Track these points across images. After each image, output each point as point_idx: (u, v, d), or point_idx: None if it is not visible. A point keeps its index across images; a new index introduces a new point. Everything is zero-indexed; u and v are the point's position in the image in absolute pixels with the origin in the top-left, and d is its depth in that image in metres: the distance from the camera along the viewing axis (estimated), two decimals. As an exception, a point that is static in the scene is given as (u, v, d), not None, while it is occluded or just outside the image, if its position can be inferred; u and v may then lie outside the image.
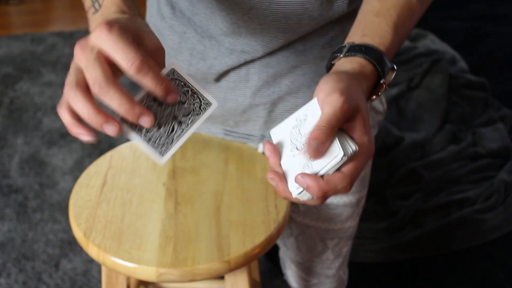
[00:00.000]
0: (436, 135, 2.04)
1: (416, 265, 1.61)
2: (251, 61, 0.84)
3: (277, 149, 0.60)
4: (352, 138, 0.56)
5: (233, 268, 0.76)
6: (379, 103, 0.96)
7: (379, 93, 0.63)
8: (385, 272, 1.59)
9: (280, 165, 0.59)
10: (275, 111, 0.89)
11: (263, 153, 1.00)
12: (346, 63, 0.62)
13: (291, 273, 1.17)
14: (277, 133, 0.61)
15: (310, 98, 0.88)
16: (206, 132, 0.97)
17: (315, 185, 0.54)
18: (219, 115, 0.91)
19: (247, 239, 0.77)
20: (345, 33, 0.82)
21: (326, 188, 0.54)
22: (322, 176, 0.55)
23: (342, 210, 1.00)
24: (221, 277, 0.85)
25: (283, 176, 0.57)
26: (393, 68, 0.63)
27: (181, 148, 0.96)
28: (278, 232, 0.81)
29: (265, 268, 1.54)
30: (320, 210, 1.00)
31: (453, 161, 1.91)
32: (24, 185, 1.88)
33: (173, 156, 0.94)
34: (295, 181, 0.55)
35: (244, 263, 0.77)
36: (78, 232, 0.79)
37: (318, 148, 0.53)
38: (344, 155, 0.54)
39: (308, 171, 0.56)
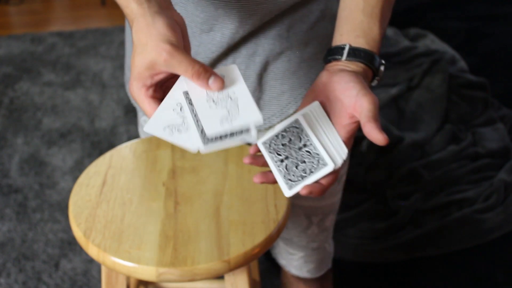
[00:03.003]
0: (436, 135, 2.03)
1: (416, 265, 1.61)
2: (237, 49, 0.85)
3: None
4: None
5: (233, 268, 0.76)
6: None
7: (373, 86, 0.73)
8: (385, 272, 1.59)
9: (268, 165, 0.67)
10: (263, 98, 0.91)
11: (248, 144, 1.00)
12: (351, 65, 0.70)
13: (278, 250, 1.22)
14: (265, 143, 0.68)
15: (295, 84, 0.91)
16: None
17: (317, 189, 0.64)
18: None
19: (247, 239, 0.78)
20: (326, 18, 0.87)
21: (325, 188, 0.65)
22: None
23: None
24: (221, 277, 0.85)
25: (270, 174, 0.67)
26: (382, 63, 0.72)
27: (181, 148, 0.96)
28: (278, 232, 0.81)
29: (265, 268, 1.54)
30: None
31: (453, 161, 1.91)
32: (24, 185, 1.87)
33: (173, 155, 0.94)
34: (302, 192, 0.63)
35: (244, 263, 0.77)
36: (78, 232, 0.79)
37: (385, 135, 0.62)
38: (334, 167, 0.63)
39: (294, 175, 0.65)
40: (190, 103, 0.61)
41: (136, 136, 2.09)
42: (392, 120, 2.10)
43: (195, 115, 0.61)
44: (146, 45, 0.61)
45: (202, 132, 0.60)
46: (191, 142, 0.60)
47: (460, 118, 2.12)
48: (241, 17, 0.80)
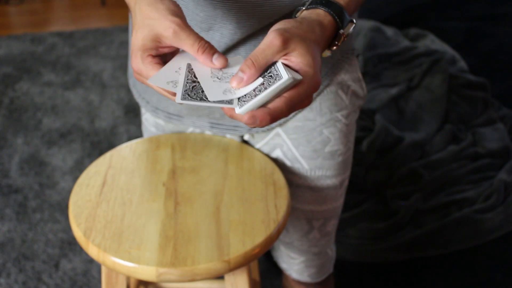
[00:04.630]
0: (436, 135, 2.03)
1: (416, 265, 1.61)
2: (236, 50, 0.85)
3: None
4: (289, 67, 0.62)
5: (233, 268, 0.76)
6: (359, 88, 0.98)
7: (338, 43, 0.70)
8: (385, 272, 1.59)
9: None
10: None
11: (247, 142, 1.00)
12: (305, 14, 0.68)
13: (279, 254, 1.21)
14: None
15: None
16: (191, 125, 0.97)
17: (261, 113, 0.60)
18: (205, 107, 0.93)
19: (247, 239, 0.78)
20: None
21: (271, 112, 0.60)
22: (265, 105, 0.61)
23: (327, 192, 1.03)
24: (221, 277, 0.85)
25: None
26: (351, 21, 0.70)
27: (181, 147, 0.96)
28: (278, 232, 0.81)
29: (265, 268, 1.54)
30: (305, 193, 1.03)
31: (453, 161, 1.91)
32: (24, 185, 1.87)
33: (173, 156, 0.94)
34: (246, 121, 0.60)
35: (244, 263, 0.77)
36: (78, 232, 0.79)
37: (242, 78, 0.60)
38: (290, 78, 0.59)
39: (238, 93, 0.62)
40: (189, 71, 0.64)
41: (136, 136, 2.09)
42: (392, 120, 2.10)
43: (188, 78, 0.63)
44: (153, 19, 0.62)
45: (185, 90, 0.62)
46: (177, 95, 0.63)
47: (460, 118, 2.12)
48: (239, 18, 0.80)
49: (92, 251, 0.77)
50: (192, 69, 0.64)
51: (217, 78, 0.63)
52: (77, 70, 2.57)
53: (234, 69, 0.65)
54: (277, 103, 0.60)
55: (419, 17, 2.91)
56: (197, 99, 0.61)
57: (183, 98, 0.61)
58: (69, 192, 1.82)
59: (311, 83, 0.62)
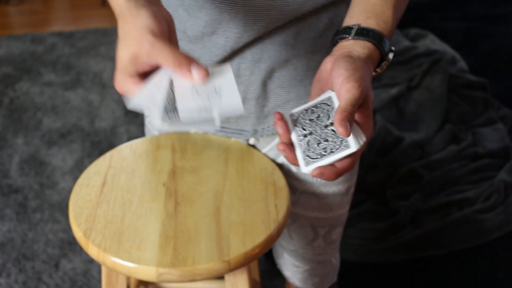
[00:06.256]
0: (436, 135, 2.04)
1: (416, 265, 1.61)
2: (241, 54, 0.84)
3: (287, 126, 0.66)
4: (359, 125, 0.63)
5: (233, 268, 0.76)
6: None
7: (378, 72, 0.71)
8: (385, 272, 1.59)
9: (291, 139, 0.65)
10: (267, 106, 0.89)
11: (254, 146, 1.00)
12: (356, 47, 0.67)
13: (283, 261, 1.19)
14: (292, 115, 0.68)
15: (302, 92, 0.89)
16: (196, 127, 0.97)
17: (330, 172, 0.62)
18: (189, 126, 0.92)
19: (247, 239, 0.77)
20: (334, 26, 0.85)
21: (339, 172, 0.63)
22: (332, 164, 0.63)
23: (332, 199, 1.02)
24: (221, 277, 0.85)
25: (292, 148, 0.65)
26: (391, 50, 0.70)
27: (181, 148, 0.96)
28: (278, 232, 0.81)
29: (265, 268, 1.54)
30: (310, 200, 1.02)
31: (453, 161, 1.91)
32: (24, 185, 1.87)
33: (173, 156, 0.94)
34: (312, 174, 0.62)
35: (244, 263, 0.76)
36: (78, 232, 0.79)
37: (348, 128, 0.60)
38: (357, 149, 0.61)
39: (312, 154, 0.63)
40: (171, 88, 0.60)
41: (136, 136, 2.09)
42: (392, 120, 2.10)
43: (167, 96, 0.59)
44: (129, 37, 0.60)
45: (165, 111, 0.58)
46: (155, 116, 0.59)
47: (460, 118, 2.12)
48: (246, 22, 0.79)
49: (92, 251, 0.77)
50: (173, 84, 0.60)
51: (196, 92, 0.59)
52: (77, 70, 2.57)
53: (218, 81, 0.60)
54: (345, 163, 0.62)
55: (419, 17, 2.91)
56: (178, 120, 0.58)
57: (163, 120, 0.57)
58: (69, 192, 1.82)
59: (369, 137, 0.64)
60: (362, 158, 1.87)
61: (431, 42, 2.63)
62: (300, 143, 0.64)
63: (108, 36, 2.89)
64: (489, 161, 1.91)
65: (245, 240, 0.77)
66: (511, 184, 1.80)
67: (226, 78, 0.61)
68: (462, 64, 2.46)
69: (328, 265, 1.17)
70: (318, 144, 0.63)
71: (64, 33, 2.91)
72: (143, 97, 0.59)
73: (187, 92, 0.59)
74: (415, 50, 2.46)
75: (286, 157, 0.64)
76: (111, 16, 3.17)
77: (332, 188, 1.00)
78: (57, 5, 3.35)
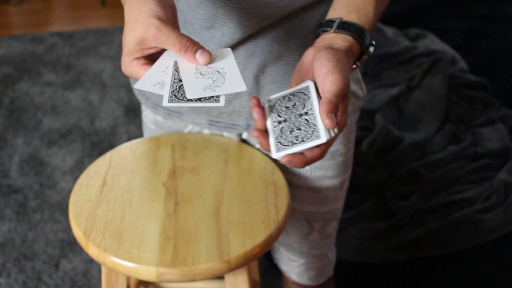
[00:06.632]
0: (436, 135, 2.03)
1: (416, 265, 1.61)
2: (235, 49, 0.85)
3: (264, 113, 0.67)
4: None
5: (233, 268, 0.76)
6: (359, 89, 0.98)
7: (357, 67, 0.73)
8: (385, 272, 1.59)
9: (266, 125, 0.67)
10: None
11: (247, 141, 1.00)
12: (337, 40, 0.69)
13: (280, 256, 1.20)
14: (270, 101, 0.69)
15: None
16: (190, 122, 0.97)
17: (298, 160, 0.63)
18: (193, 108, 0.93)
19: (247, 239, 0.78)
20: None
21: (307, 161, 0.64)
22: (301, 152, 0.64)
23: (327, 193, 1.03)
24: (221, 277, 0.85)
25: (266, 135, 0.66)
26: (372, 44, 0.72)
27: (181, 148, 0.96)
28: (278, 232, 0.81)
29: (265, 268, 1.54)
30: (305, 194, 1.03)
31: (453, 161, 1.91)
32: (24, 185, 1.88)
33: (173, 156, 0.94)
34: (281, 160, 0.63)
35: (244, 263, 0.77)
36: (78, 232, 0.79)
37: (334, 119, 0.61)
38: (326, 140, 0.62)
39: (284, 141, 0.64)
40: (176, 70, 0.64)
41: (136, 136, 2.09)
42: (392, 120, 2.10)
43: (175, 78, 0.63)
44: (136, 22, 0.62)
45: (172, 92, 0.62)
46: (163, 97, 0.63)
47: (460, 118, 2.12)
48: (240, 18, 0.80)
49: (92, 251, 0.77)
50: (178, 67, 0.64)
51: (200, 74, 0.63)
52: (77, 70, 2.57)
53: (220, 63, 0.64)
54: (315, 153, 0.63)
55: (419, 17, 2.91)
56: (183, 100, 0.61)
57: (170, 101, 0.61)
58: (69, 192, 1.82)
59: (342, 130, 0.65)
60: (362, 158, 1.87)
61: (431, 42, 2.63)
62: (274, 129, 0.66)
63: (108, 36, 2.89)
64: (489, 161, 1.91)
65: (245, 240, 0.77)
66: (511, 184, 1.80)
67: (228, 59, 0.64)
68: (462, 64, 2.46)
69: (324, 259, 1.18)
70: (291, 132, 0.64)
71: (64, 33, 2.91)
72: (149, 79, 0.63)
73: (192, 73, 0.63)
74: (415, 50, 2.46)
75: (259, 143, 0.66)
76: (111, 16, 3.17)
77: (326, 182, 1.01)
78: (57, 5, 3.35)
